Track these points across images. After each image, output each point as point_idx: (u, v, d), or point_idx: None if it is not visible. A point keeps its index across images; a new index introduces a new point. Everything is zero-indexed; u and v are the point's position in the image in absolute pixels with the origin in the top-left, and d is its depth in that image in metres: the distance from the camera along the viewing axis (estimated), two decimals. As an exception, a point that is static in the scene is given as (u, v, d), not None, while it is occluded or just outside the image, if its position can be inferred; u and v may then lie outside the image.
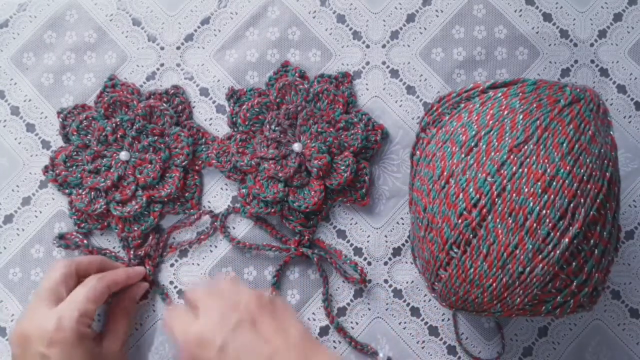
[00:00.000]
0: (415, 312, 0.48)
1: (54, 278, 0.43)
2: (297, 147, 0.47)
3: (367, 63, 0.51)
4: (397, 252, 0.49)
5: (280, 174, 0.47)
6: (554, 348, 0.48)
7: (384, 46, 0.51)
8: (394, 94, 0.50)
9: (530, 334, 0.48)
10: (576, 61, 0.50)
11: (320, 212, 0.48)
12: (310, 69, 0.51)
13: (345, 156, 0.48)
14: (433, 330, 0.48)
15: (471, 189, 0.37)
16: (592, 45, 0.51)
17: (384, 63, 0.51)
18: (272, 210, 0.47)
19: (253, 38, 0.51)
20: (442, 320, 0.48)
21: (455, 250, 0.37)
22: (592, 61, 0.50)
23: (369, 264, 0.49)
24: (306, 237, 0.48)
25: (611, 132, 0.39)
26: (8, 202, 0.50)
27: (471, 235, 0.37)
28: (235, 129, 0.49)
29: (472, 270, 0.37)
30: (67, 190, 0.49)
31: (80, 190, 0.48)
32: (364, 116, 0.49)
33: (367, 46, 0.51)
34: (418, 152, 0.42)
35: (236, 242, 0.48)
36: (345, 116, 0.48)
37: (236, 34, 0.51)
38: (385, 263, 0.49)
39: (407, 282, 0.48)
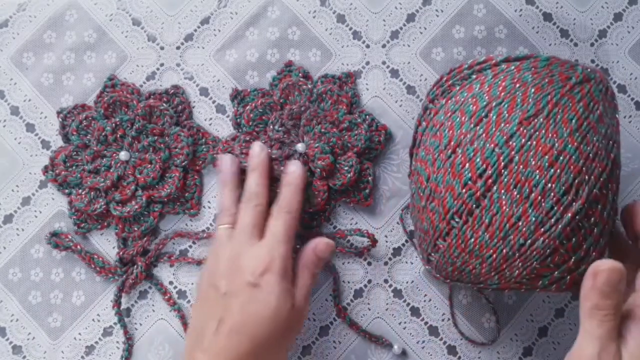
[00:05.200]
0: (415, 312, 0.48)
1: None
2: (300, 147, 0.47)
3: (367, 63, 0.51)
4: (397, 252, 0.49)
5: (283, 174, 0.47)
6: (554, 348, 0.48)
7: (384, 46, 0.51)
8: (394, 94, 0.50)
9: (530, 334, 0.48)
10: (576, 61, 0.50)
11: (323, 212, 0.48)
12: (310, 69, 0.51)
13: (348, 157, 0.48)
14: (433, 330, 0.48)
15: (478, 159, 0.37)
16: (592, 45, 0.51)
17: (384, 63, 0.51)
18: None
19: (253, 38, 0.51)
20: (442, 320, 0.48)
21: (457, 219, 0.37)
22: (592, 61, 0.50)
23: (369, 264, 0.49)
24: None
25: (617, 115, 0.40)
26: (8, 202, 0.50)
27: (474, 206, 0.37)
28: (240, 130, 0.49)
29: (472, 240, 0.37)
30: (66, 190, 0.49)
31: (80, 190, 0.48)
32: (367, 116, 0.49)
33: (367, 46, 0.51)
34: (424, 123, 0.42)
35: None
36: (348, 117, 0.48)
37: (236, 34, 0.51)
38: (386, 263, 0.49)
39: (407, 282, 0.48)
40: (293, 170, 0.46)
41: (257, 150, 0.46)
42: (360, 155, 0.48)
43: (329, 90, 0.49)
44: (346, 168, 0.47)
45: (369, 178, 0.48)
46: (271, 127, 0.48)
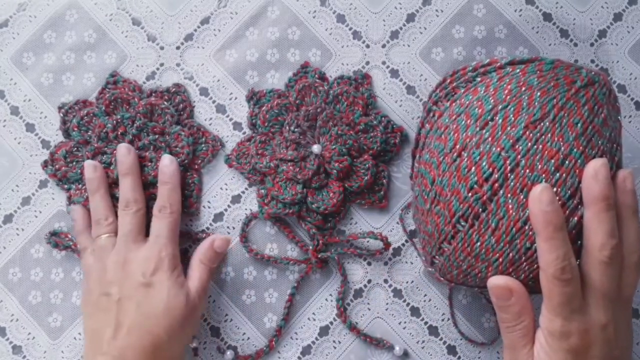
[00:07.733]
0: (415, 312, 0.48)
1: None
2: (316, 149, 0.47)
3: (367, 63, 0.51)
4: (397, 252, 0.49)
5: (299, 176, 0.47)
6: (555, 348, 0.48)
7: (384, 46, 0.51)
8: (394, 94, 0.50)
9: (530, 334, 0.48)
10: (576, 61, 0.50)
11: (338, 214, 0.48)
12: (310, 69, 0.51)
13: (364, 159, 0.48)
14: (433, 330, 0.48)
15: (484, 163, 0.37)
16: (592, 45, 0.51)
17: (383, 63, 0.51)
18: (290, 212, 0.47)
19: (253, 38, 0.51)
20: (442, 320, 0.48)
21: (463, 223, 0.37)
22: (592, 61, 0.50)
23: (369, 264, 0.49)
24: (320, 241, 0.48)
25: (619, 117, 0.40)
26: (8, 202, 0.49)
27: (480, 209, 0.37)
28: (255, 131, 0.49)
29: (478, 244, 0.37)
30: (66, 186, 0.49)
31: (80, 185, 0.48)
32: (383, 118, 0.49)
33: (367, 46, 0.51)
34: (427, 126, 0.42)
35: (254, 254, 0.48)
36: (364, 118, 0.48)
37: (236, 33, 0.51)
38: (385, 263, 0.49)
39: (407, 282, 0.48)
40: (166, 166, 0.47)
41: (124, 152, 0.47)
42: (376, 157, 0.48)
43: (345, 92, 0.49)
44: (362, 170, 0.47)
45: (384, 180, 0.48)
46: (287, 128, 0.48)
